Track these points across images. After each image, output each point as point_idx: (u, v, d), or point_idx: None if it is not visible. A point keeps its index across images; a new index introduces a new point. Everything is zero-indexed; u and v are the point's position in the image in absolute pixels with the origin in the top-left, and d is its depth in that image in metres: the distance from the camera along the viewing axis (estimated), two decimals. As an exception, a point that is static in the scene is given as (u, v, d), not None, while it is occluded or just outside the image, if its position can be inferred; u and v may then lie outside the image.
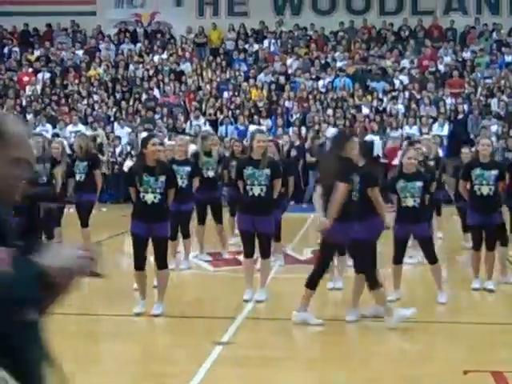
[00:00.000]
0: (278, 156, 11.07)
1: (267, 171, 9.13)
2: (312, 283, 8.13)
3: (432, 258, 9.14)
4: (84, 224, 12.14)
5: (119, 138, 21.82)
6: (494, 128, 21.45)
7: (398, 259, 9.13)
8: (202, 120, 22.86)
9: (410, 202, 8.95)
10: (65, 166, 11.48)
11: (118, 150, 21.45)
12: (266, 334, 8.24)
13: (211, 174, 11.72)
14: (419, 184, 8.96)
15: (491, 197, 9.50)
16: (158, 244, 8.57)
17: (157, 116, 23.23)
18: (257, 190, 9.12)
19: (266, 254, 9.41)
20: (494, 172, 9.50)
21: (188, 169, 10.85)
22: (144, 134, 14.53)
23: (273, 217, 9.40)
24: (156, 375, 6.73)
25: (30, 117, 23.42)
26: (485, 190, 9.46)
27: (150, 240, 8.56)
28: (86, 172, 11.96)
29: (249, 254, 9.40)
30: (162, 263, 8.66)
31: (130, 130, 22.22)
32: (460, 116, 22.45)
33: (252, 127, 18.48)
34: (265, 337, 8.16)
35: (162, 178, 8.44)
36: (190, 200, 10.98)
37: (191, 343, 7.64)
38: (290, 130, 22.27)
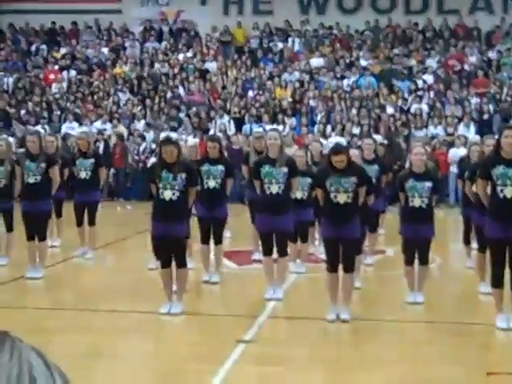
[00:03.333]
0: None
1: (285, 169, 9.14)
2: None
3: (426, 260, 9.16)
4: (92, 222, 12.19)
5: (143, 136, 21.89)
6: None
7: (408, 261, 9.14)
8: (226, 118, 22.89)
9: (417, 202, 8.91)
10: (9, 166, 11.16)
11: (141, 148, 21.51)
12: (287, 333, 8.28)
13: None
14: (428, 184, 8.92)
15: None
16: (175, 243, 8.58)
17: (182, 114, 23.29)
18: (274, 188, 9.13)
19: (283, 253, 9.38)
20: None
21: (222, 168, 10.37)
22: (167, 133, 14.50)
23: (291, 215, 9.33)
24: (179, 372, 6.77)
25: (56, 114, 23.57)
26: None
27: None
28: (91, 169, 12.04)
29: (267, 252, 9.41)
30: (180, 262, 8.67)
31: (153, 131, 22.24)
32: (485, 116, 22.33)
33: (268, 127, 18.38)
34: (286, 335, 8.19)
35: (182, 176, 8.46)
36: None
37: (214, 341, 7.68)
38: (315, 128, 22.25)
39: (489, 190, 8.09)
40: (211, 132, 21.20)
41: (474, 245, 10.49)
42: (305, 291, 10.56)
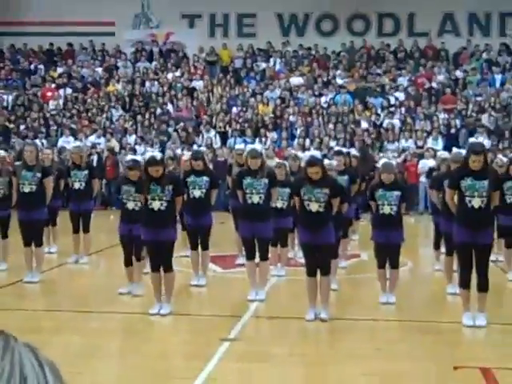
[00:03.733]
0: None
1: (265, 180, 9.13)
2: None
3: (396, 264, 9.16)
4: (86, 230, 12.16)
5: (134, 149, 21.80)
6: (484, 142, 21.40)
7: (380, 264, 9.15)
8: (212, 133, 22.89)
9: (387, 210, 8.91)
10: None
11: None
12: (269, 331, 8.26)
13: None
14: (397, 193, 8.92)
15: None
16: (162, 248, 8.58)
17: (170, 129, 23.27)
18: (255, 198, 9.13)
19: (264, 257, 9.41)
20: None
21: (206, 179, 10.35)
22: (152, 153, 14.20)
23: (270, 222, 9.35)
24: (168, 369, 6.74)
25: (53, 129, 23.51)
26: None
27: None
28: (85, 180, 12.00)
29: (250, 256, 9.43)
30: (167, 266, 8.66)
31: (144, 145, 22.16)
32: (452, 130, 22.45)
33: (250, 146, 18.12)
34: (268, 334, 8.18)
35: (169, 188, 8.50)
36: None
37: (200, 340, 7.66)
38: (295, 142, 22.28)
39: (456, 199, 8.18)
40: (195, 147, 21.15)
41: (443, 249, 10.52)
42: (285, 293, 10.56)
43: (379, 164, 9.52)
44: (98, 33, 27.82)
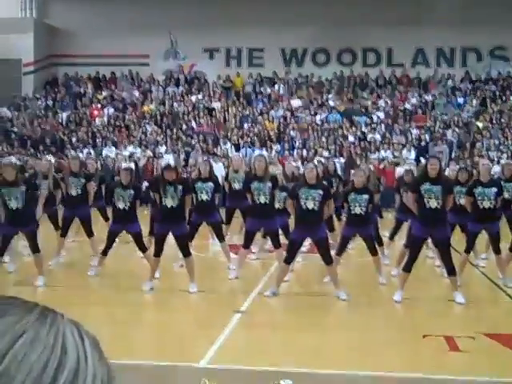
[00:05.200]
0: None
1: (269, 184, 9.02)
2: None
3: (375, 251, 9.00)
4: (89, 234, 10.42)
5: (163, 156, 21.78)
6: (446, 151, 21.48)
7: (340, 252, 8.96)
8: (228, 144, 22.89)
9: (358, 210, 8.74)
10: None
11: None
12: (273, 306, 8.23)
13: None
14: (366, 196, 8.74)
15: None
16: (179, 239, 8.56)
17: (194, 141, 23.28)
18: (262, 199, 9.01)
19: (278, 246, 9.23)
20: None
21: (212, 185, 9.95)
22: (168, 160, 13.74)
23: (276, 219, 9.18)
24: (188, 336, 6.72)
25: (99, 141, 23.57)
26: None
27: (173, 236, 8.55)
28: (81, 187, 10.25)
29: (248, 246, 9.37)
30: (186, 253, 8.61)
31: (172, 154, 22.11)
32: (423, 143, 22.39)
33: (256, 152, 18.07)
34: (273, 308, 8.14)
35: (180, 187, 8.43)
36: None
37: (216, 312, 7.63)
38: (294, 152, 22.26)
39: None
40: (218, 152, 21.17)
41: (401, 242, 10.25)
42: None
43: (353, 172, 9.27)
44: (136, 63, 27.88)
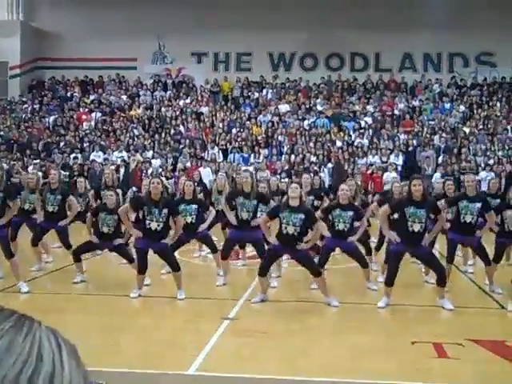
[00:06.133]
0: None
1: (255, 202, 8.98)
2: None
3: (365, 264, 9.01)
4: (68, 246, 10.24)
5: (150, 162, 21.76)
6: (433, 156, 21.57)
7: (323, 263, 8.90)
8: (216, 149, 22.87)
9: (341, 226, 8.72)
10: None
11: (149, 171, 21.33)
12: (262, 312, 8.21)
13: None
14: (350, 213, 8.71)
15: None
16: (164, 255, 8.55)
17: (181, 146, 23.24)
18: (245, 215, 8.96)
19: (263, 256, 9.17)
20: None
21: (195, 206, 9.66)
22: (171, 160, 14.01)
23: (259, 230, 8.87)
24: (176, 343, 6.69)
25: (86, 145, 23.47)
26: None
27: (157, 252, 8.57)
28: (58, 203, 10.10)
29: (226, 257, 9.32)
30: (174, 267, 8.58)
31: (160, 159, 22.07)
32: (410, 149, 22.48)
33: (243, 168, 17.81)
34: (261, 314, 8.13)
35: (165, 211, 8.29)
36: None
37: (204, 318, 7.61)
38: (282, 157, 22.28)
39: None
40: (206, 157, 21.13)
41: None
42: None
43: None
44: (123, 67, 27.84)
